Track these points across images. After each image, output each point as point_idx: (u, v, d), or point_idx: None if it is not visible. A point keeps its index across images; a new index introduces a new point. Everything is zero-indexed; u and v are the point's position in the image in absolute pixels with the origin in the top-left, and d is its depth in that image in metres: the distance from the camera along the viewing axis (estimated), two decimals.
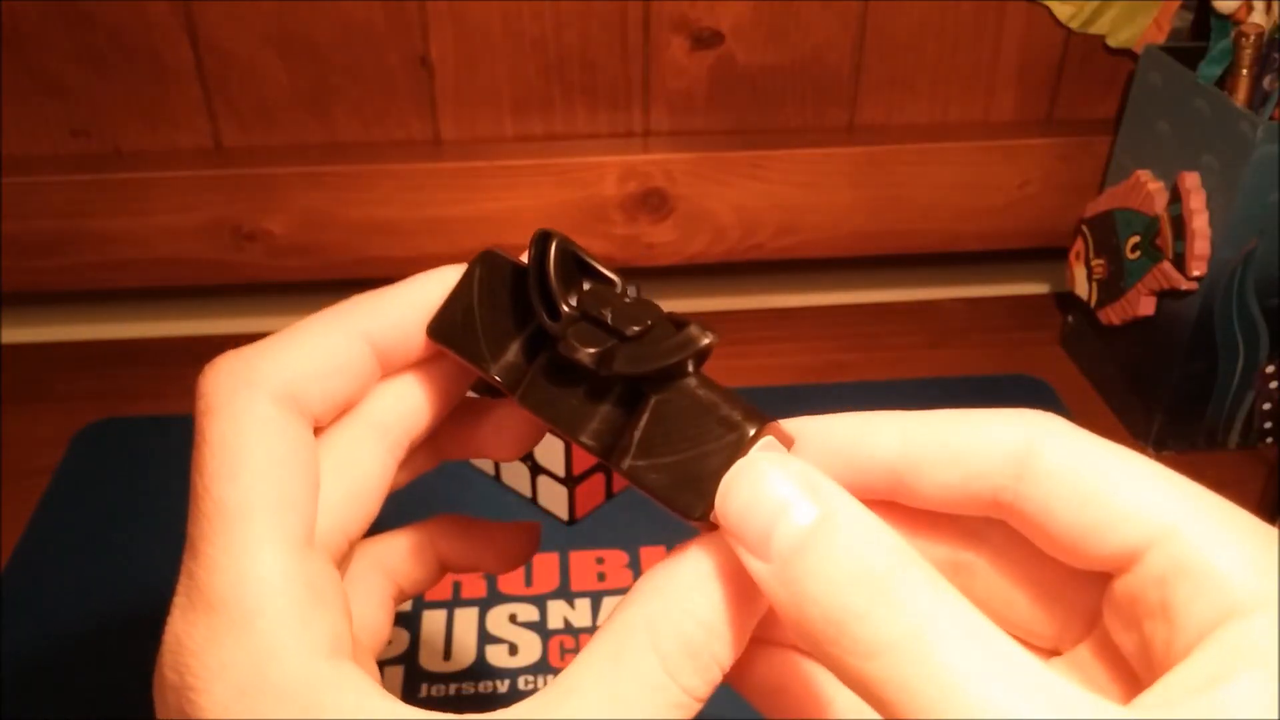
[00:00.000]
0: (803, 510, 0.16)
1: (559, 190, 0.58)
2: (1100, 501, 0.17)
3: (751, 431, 0.18)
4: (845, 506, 0.16)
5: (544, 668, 0.43)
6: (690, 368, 0.19)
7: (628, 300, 0.20)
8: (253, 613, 0.18)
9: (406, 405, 0.23)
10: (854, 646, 0.15)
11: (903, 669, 0.14)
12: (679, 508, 0.18)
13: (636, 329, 0.19)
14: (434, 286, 0.23)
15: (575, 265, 0.21)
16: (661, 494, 0.19)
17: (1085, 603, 0.19)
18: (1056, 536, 0.18)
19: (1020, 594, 0.20)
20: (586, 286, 0.21)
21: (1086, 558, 0.18)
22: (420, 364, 0.23)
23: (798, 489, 0.16)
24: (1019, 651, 0.15)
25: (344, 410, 0.22)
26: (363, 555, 0.25)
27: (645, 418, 0.19)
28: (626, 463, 0.19)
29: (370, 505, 0.22)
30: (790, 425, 0.20)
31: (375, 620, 0.25)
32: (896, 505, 0.20)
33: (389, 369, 0.23)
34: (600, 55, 0.57)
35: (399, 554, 0.26)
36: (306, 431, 0.20)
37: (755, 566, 0.16)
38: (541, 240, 0.20)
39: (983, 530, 0.20)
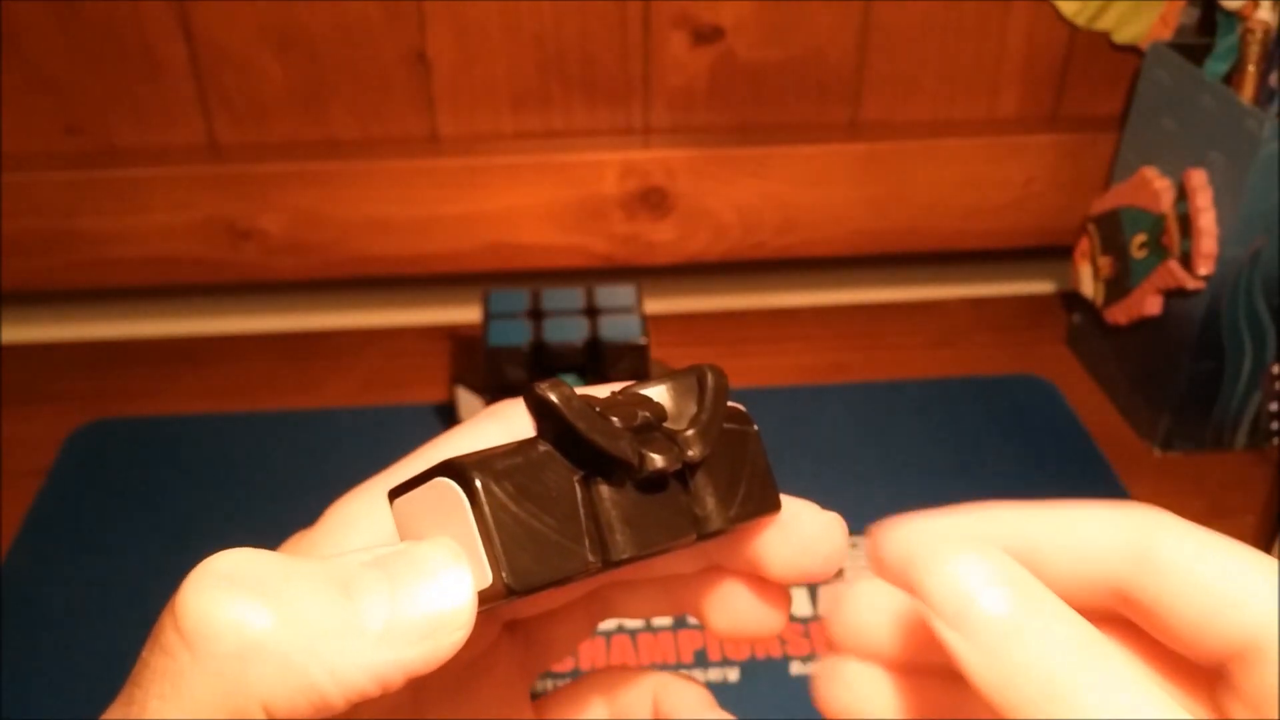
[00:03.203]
0: (1003, 592, 0.17)
1: (558, 188, 0.57)
2: (1219, 588, 0.18)
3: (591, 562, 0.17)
4: (1045, 592, 0.18)
5: None
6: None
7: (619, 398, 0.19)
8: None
9: None
10: (1069, 712, 0.16)
11: None
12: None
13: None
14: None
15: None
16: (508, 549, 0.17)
17: (1203, 705, 0.20)
18: (1177, 625, 0.19)
19: None
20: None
21: (1207, 646, 0.18)
22: None
23: (998, 574, 0.17)
24: None
25: None
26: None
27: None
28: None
29: None
30: (906, 524, 0.20)
31: None
32: None
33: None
34: (600, 51, 0.56)
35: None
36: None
37: (951, 638, 0.17)
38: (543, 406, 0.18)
39: (1103, 631, 0.21)
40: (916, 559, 0.18)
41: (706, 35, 0.56)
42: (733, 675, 0.42)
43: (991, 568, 0.18)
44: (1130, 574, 0.19)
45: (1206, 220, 0.49)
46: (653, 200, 0.58)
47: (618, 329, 0.48)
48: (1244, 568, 0.18)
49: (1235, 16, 0.51)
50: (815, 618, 0.44)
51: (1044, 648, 0.17)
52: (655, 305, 0.62)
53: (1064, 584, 0.19)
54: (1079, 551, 0.19)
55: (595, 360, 0.48)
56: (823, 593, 0.40)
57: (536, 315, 0.50)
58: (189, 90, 0.56)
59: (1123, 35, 0.58)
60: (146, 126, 0.57)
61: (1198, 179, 0.49)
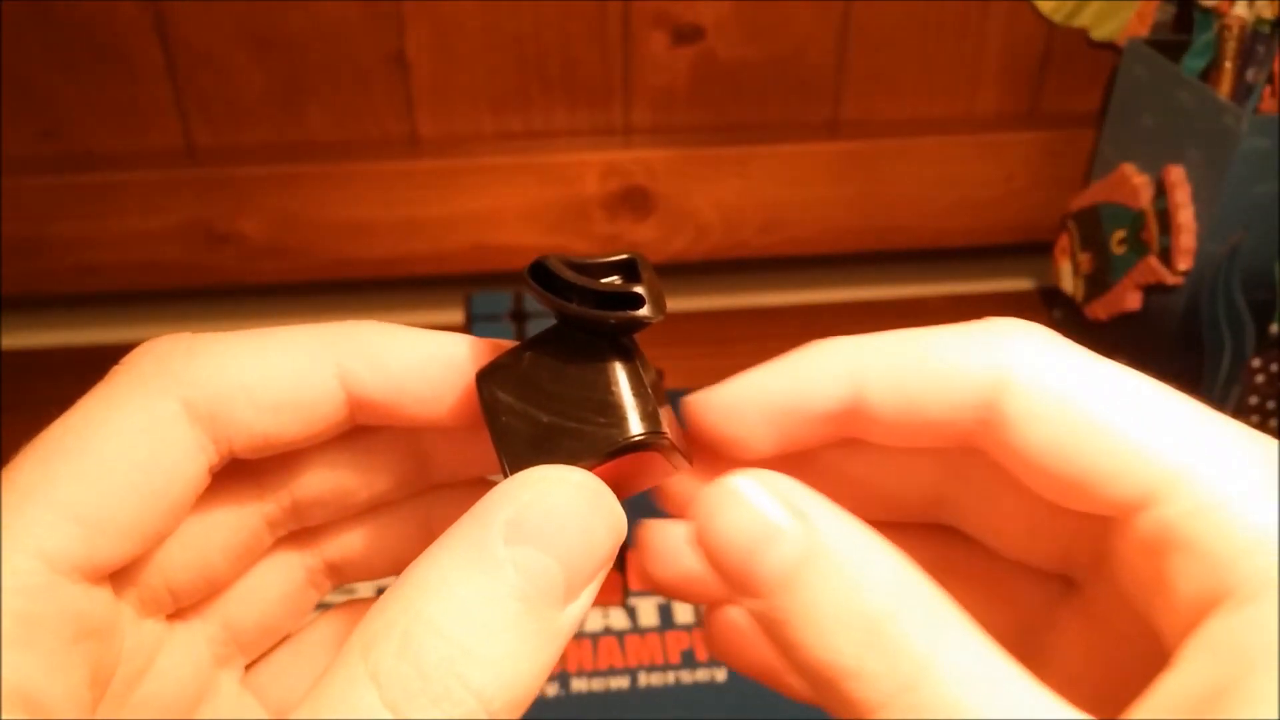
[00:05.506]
0: (788, 541, 0.14)
1: (539, 189, 0.57)
2: (1085, 450, 0.15)
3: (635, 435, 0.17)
4: (834, 536, 0.14)
5: None
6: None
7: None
8: None
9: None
10: (851, 708, 0.14)
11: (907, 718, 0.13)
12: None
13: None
14: (451, 344, 0.19)
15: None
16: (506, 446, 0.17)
17: (1087, 534, 0.17)
18: (1039, 485, 0.16)
19: (1013, 524, 0.18)
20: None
21: (1074, 508, 0.16)
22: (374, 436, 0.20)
23: (783, 513, 0.14)
24: (1026, 683, 0.13)
25: (276, 451, 0.18)
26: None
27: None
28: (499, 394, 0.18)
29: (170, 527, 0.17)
30: (719, 391, 0.18)
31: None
32: (863, 443, 0.18)
33: (366, 419, 0.19)
34: (580, 51, 0.56)
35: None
36: (191, 460, 0.17)
37: (745, 604, 0.15)
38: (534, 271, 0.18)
39: (962, 462, 0.18)
40: (696, 506, 0.15)
41: (687, 35, 0.56)
42: (720, 675, 0.42)
43: (779, 506, 0.14)
44: (979, 427, 0.16)
45: (1185, 216, 0.49)
46: (634, 200, 0.58)
47: None
48: (1118, 411, 0.15)
49: (1212, 13, 0.51)
50: None
51: (826, 612, 0.14)
52: None
53: (908, 438, 0.17)
54: (917, 407, 0.17)
55: None
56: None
57: (519, 317, 0.49)
58: (165, 93, 0.55)
59: (1100, 32, 0.58)
60: (123, 130, 0.56)
61: (1176, 175, 0.49)
